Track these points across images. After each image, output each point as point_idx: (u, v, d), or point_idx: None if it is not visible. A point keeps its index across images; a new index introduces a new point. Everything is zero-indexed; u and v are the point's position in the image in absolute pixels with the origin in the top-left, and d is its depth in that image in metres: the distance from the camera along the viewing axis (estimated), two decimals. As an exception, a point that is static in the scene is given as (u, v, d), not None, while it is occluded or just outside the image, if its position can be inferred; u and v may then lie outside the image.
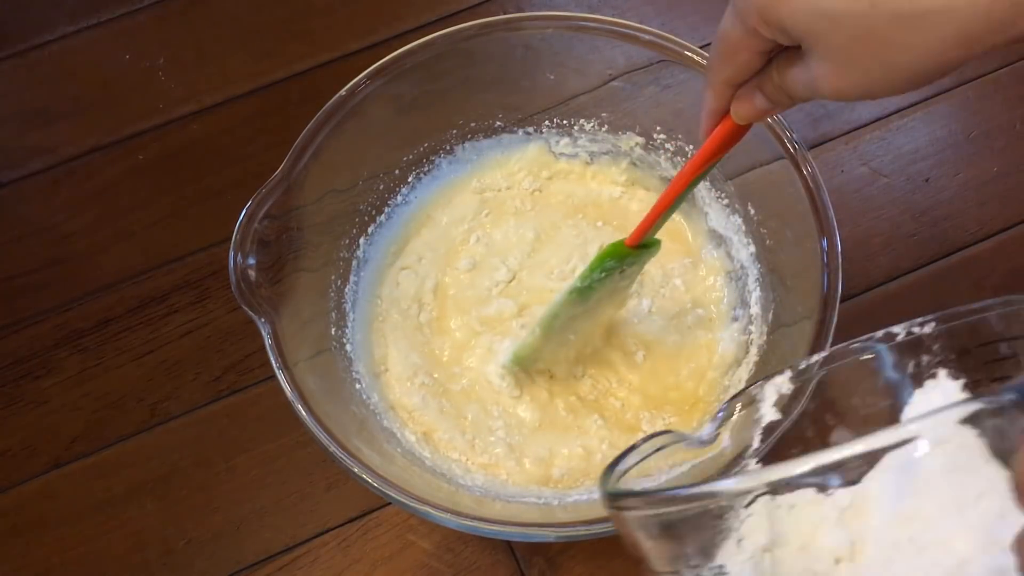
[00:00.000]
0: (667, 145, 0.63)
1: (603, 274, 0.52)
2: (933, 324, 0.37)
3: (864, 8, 0.32)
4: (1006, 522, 0.28)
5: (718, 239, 0.62)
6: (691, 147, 0.61)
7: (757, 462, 0.40)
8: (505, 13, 0.64)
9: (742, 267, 0.61)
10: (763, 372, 0.55)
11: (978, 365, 0.36)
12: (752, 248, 0.60)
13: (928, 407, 0.34)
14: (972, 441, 0.29)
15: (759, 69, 0.39)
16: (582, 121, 0.64)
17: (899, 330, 0.38)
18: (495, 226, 0.65)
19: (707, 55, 0.55)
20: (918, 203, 0.67)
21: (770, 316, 0.57)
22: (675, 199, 0.48)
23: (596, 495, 0.53)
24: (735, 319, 0.60)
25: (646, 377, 0.59)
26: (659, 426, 0.57)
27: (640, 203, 0.65)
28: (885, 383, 0.38)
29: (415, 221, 0.64)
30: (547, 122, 0.64)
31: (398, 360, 0.60)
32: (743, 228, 0.60)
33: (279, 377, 0.49)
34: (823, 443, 0.39)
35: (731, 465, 0.41)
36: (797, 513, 0.31)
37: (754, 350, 0.57)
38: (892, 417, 0.37)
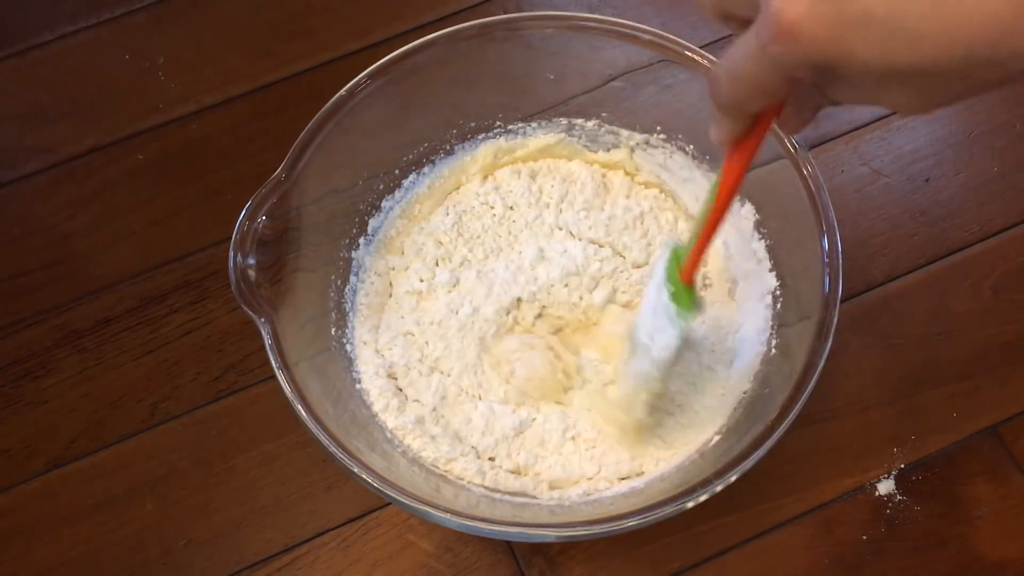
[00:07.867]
0: (666, 145, 0.63)
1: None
2: None
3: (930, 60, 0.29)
4: None
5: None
6: (691, 147, 0.61)
7: None
8: (505, 13, 0.64)
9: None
10: (764, 373, 0.55)
11: None
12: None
13: None
14: None
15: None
16: (582, 121, 0.64)
17: None
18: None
19: (707, 55, 0.55)
20: (918, 203, 0.67)
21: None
22: (717, 229, 0.45)
23: (595, 496, 0.54)
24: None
25: None
26: None
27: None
28: None
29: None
30: (547, 122, 0.64)
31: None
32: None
33: (279, 377, 0.49)
34: None
35: None
36: None
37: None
38: None
